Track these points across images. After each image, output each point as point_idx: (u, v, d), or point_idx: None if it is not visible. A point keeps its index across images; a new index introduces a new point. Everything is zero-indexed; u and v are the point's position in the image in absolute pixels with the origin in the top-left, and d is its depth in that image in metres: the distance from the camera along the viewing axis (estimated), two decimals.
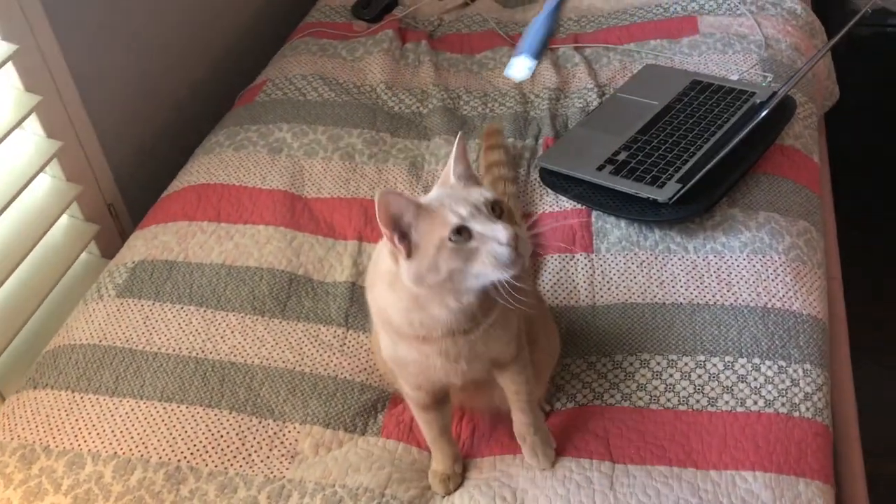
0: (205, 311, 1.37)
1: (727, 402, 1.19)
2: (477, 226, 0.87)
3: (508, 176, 1.54)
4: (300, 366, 1.29)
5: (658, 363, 1.25)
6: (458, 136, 0.95)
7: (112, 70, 1.71)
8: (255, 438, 1.20)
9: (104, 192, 1.69)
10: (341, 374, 1.28)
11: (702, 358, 1.24)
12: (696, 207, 1.43)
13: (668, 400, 1.20)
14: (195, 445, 1.18)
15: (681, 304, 1.32)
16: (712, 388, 1.21)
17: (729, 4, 1.98)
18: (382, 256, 0.96)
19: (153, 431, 1.20)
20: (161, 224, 1.54)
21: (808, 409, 1.17)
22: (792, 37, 1.88)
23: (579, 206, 1.51)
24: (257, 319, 1.35)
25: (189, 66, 1.96)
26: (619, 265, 1.40)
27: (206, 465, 1.16)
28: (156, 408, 1.23)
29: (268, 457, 1.18)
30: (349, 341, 1.33)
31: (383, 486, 1.13)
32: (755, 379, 1.21)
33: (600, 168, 1.53)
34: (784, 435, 1.14)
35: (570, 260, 1.42)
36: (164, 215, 1.56)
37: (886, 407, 1.90)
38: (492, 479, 1.13)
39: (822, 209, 1.55)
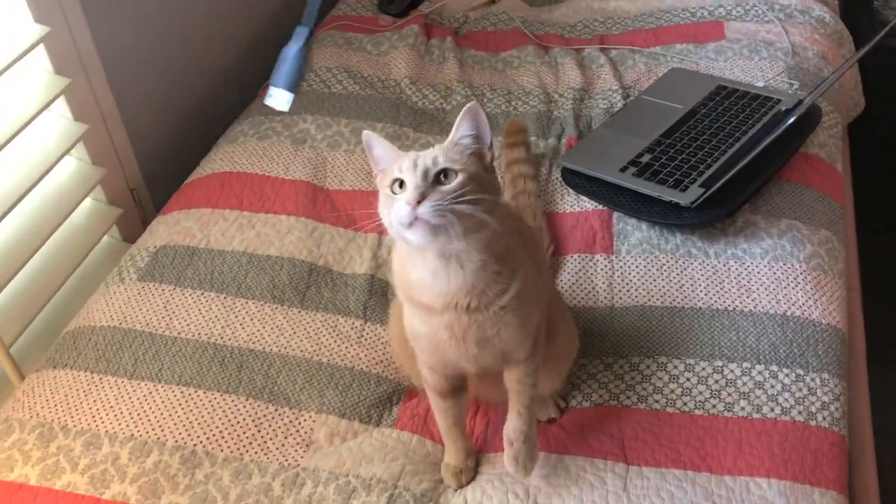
0: (225, 297, 1.38)
1: (743, 408, 1.18)
2: (407, 182, 0.91)
3: (529, 173, 1.54)
4: (318, 355, 1.29)
5: (675, 367, 1.25)
6: (469, 105, 0.94)
7: (140, 56, 1.72)
8: (270, 426, 1.20)
9: (128, 177, 1.70)
10: (358, 365, 1.29)
11: (719, 363, 1.24)
12: (718, 212, 1.43)
13: (685, 404, 1.20)
14: (211, 430, 1.19)
15: (700, 308, 1.32)
16: (729, 394, 1.20)
17: (756, 11, 1.97)
18: None
19: (170, 415, 1.21)
20: (184, 210, 1.55)
21: (824, 418, 1.17)
22: (819, 45, 1.88)
23: (600, 206, 1.51)
24: (276, 308, 1.36)
25: (216, 55, 1.97)
26: (639, 267, 1.39)
27: (222, 450, 1.17)
28: (173, 391, 1.24)
29: (283, 444, 1.18)
30: (367, 333, 1.34)
31: (396, 477, 1.13)
32: (772, 386, 1.21)
33: (623, 169, 1.52)
34: (800, 443, 1.14)
35: (590, 260, 1.42)
36: (187, 201, 1.57)
37: None
38: (504, 474, 1.13)
39: (844, 219, 1.54)
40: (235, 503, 1.11)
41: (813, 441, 1.14)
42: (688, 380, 1.23)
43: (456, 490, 1.13)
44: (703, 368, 1.24)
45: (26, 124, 1.38)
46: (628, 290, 1.37)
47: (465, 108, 0.93)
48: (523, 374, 1.06)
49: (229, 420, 1.21)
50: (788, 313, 1.30)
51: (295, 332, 1.33)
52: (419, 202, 0.88)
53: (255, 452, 1.17)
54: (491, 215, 0.91)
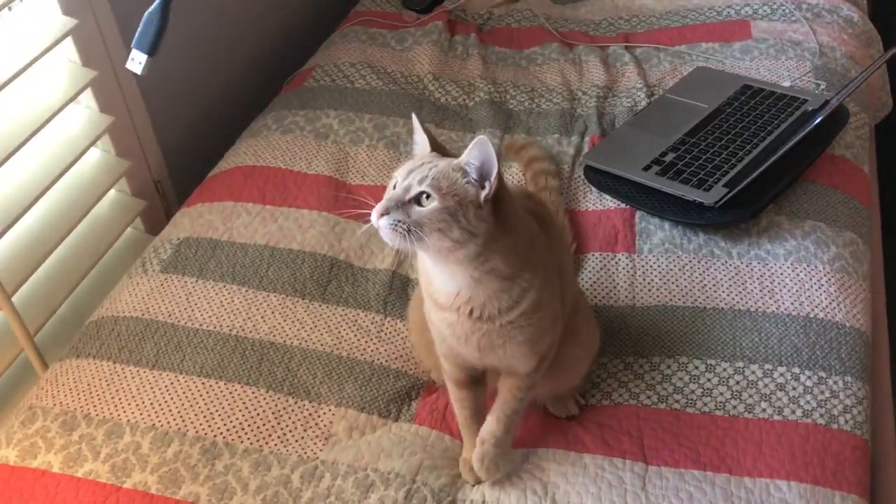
0: (247, 290, 1.38)
1: (764, 410, 1.17)
2: (387, 190, 0.96)
3: (550, 170, 1.54)
4: (338, 349, 1.30)
5: (696, 367, 1.24)
6: (477, 139, 0.92)
7: (166, 49, 1.71)
8: (290, 418, 1.21)
9: (152, 169, 1.72)
10: (378, 359, 1.29)
11: (741, 364, 1.23)
12: (741, 213, 1.42)
13: (705, 404, 1.19)
14: (231, 422, 1.20)
15: (722, 309, 1.31)
16: (750, 395, 1.19)
17: (784, 10, 1.95)
18: None
19: (191, 406, 1.22)
20: (207, 203, 1.56)
21: (847, 421, 1.16)
22: (847, 45, 1.86)
23: (623, 205, 1.50)
24: (298, 301, 1.37)
25: (240, 49, 1.98)
26: (661, 267, 1.39)
27: (242, 441, 1.18)
28: (195, 383, 1.25)
29: (302, 437, 1.19)
30: (387, 328, 1.34)
31: (414, 472, 1.13)
32: (794, 388, 1.20)
33: (646, 168, 1.52)
34: (821, 446, 1.13)
35: (612, 259, 1.41)
36: (210, 194, 1.58)
37: None
38: (523, 471, 1.13)
39: (870, 221, 1.53)
40: (254, 494, 1.11)
41: (834, 444, 1.13)
42: (709, 380, 1.22)
43: (474, 485, 1.13)
44: (725, 369, 1.23)
45: (53, 115, 1.39)
46: (650, 290, 1.36)
47: (473, 142, 0.92)
48: (517, 387, 1.07)
49: (249, 412, 1.21)
50: (811, 315, 1.29)
51: (315, 326, 1.33)
52: (382, 215, 0.92)
53: (275, 444, 1.18)
54: (463, 245, 0.92)
